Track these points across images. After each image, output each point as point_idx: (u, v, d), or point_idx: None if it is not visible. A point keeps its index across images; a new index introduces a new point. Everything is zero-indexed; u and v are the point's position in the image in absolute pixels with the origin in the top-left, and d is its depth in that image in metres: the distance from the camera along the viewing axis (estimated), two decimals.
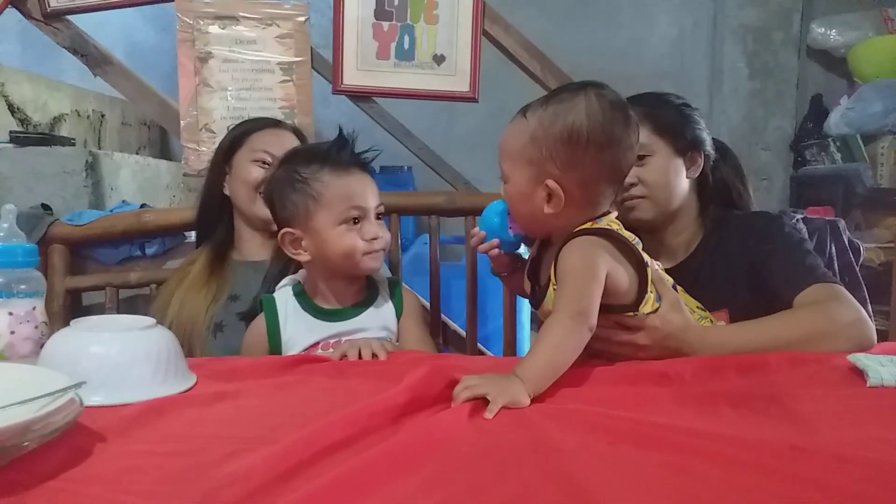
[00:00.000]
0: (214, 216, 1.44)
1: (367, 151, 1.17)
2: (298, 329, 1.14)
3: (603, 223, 0.97)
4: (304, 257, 1.13)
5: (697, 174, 1.27)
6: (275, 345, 1.14)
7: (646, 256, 1.00)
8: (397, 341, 1.18)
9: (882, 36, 3.12)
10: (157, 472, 0.60)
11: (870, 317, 1.35)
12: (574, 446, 0.65)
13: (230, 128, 1.53)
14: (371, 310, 1.17)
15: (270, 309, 1.15)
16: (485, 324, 1.78)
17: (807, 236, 1.32)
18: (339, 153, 1.13)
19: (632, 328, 0.99)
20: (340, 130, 1.16)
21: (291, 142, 1.43)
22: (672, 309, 1.01)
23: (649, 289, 0.99)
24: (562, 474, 0.59)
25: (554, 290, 0.95)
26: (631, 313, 0.98)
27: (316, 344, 1.13)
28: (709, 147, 1.29)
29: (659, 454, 0.62)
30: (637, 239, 1.01)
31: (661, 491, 0.56)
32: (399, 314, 1.19)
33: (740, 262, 1.21)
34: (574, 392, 0.84)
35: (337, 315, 1.15)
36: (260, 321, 1.16)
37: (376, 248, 1.12)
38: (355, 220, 1.10)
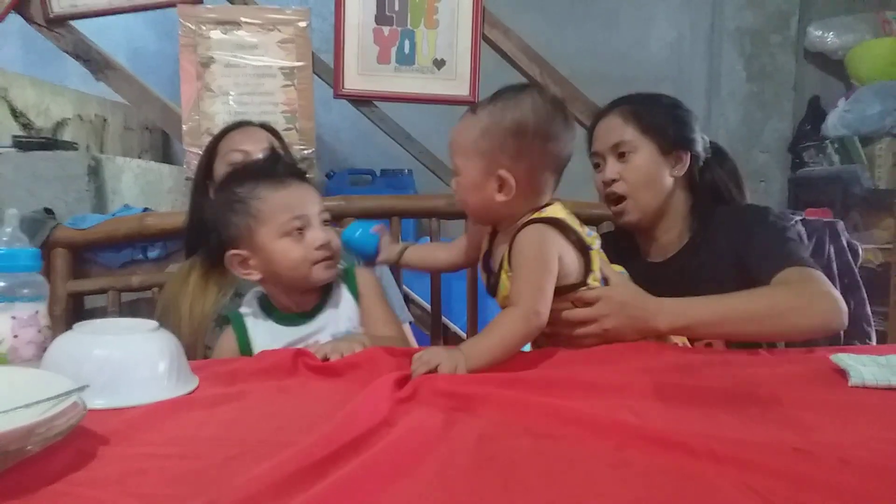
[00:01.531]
0: (204, 233, 1.43)
1: (301, 162, 1.17)
2: (266, 340, 1.12)
3: (548, 212, 1.04)
4: (255, 276, 1.11)
5: (682, 173, 1.28)
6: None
7: (591, 241, 1.07)
8: (361, 325, 1.16)
9: (879, 38, 3.13)
10: (160, 475, 0.60)
11: (871, 315, 1.36)
12: (582, 452, 0.65)
13: None
14: (330, 305, 1.15)
15: (239, 325, 1.14)
16: (485, 324, 1.78)
17: (804, 236, 1.33)
18: (273, 167, 1.12)
19: (590, 300, 1.05)
20: (271, 147, 1.18)
21: (261, 137, 1.43)
22: (623, 282, 1.08)
23: (593, 267, 1.06)
24: (570, 481, 0.59)
25: (508, 276, 1.03)
26: (583, 287, 1.05)
27: None
28: (699, 148, 1.29)
29: (667, 459, 0.62)
30: (585, 227, 1.08)
31: (673, 495, 0.56)
32: (356, 298, 1.17)
33: (727, 255, 1.22)
34: (573, 397, 0.83)
35: (300, 319, 1.14)
36: (230, 338, 1.15)
37: (326, 256, 1.10)
38: (299, 231, 1.08)
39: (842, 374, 0.89)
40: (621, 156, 1.25)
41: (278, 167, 1.13)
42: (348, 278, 1.18)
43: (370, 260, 1.18)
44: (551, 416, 0.74)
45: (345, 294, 1.17)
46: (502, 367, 0.93)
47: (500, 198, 1.02)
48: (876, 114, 2.86)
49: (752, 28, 3.33)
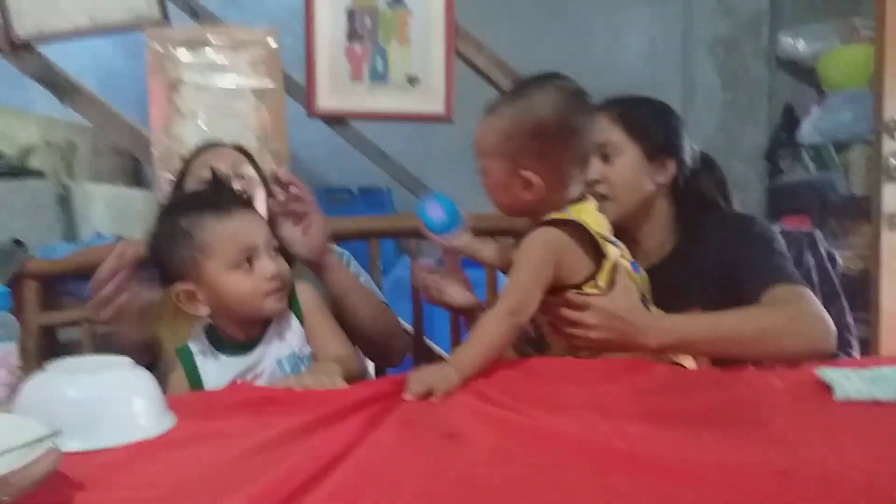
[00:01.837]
0: None
1: (243, 192, 1.15)
2: (214, 372, 1.10)
3: (571, 212, 1.05)
4: (202, 311, 1.07)
5: (667, 180, 1.27)
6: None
7: (615, 249, 1.08)
8: (308, 343, 1.14)
9: (849, 45, 3.18)
10: None
11: (853, 324, 1.37)
12: (566, 479, 0.64)
13: None
14: (273, 329, 1.12)
15: (187, 359, 1.11)
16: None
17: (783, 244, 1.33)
18: (217, 196, 1.08)
19: (578, 305, 1.05)
20: (213, 173, 1.14)
21: (230, 155, 1.40)
22: (622, 294, 1.07)
23: (599, 275, 1.06)
24: None
25: None
26: (574, 291, 1.06)
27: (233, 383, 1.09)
28: (685, 155, 1.29)
29: (650, 483, 0.62)
30: (609, 227, 1.10)
31: None
32: (300, 318, 1.14)
33: (714, 265, 1.22)
34: (558, 420, 0.83)
35: (244, 348, 1.10)
36: (179, 374, 1.12)
37: (276, 288, 1.07)
38: (248, 262, 1.05)
39: (827, 388, 0.89)
40: (605, 157, 1.24)
41: (222, 196, 1.09)
42: (292, 299, 1.14)
43: (440, 231, 1.20)
44: (536, 442, 0.74)
45: (287, 316, 1.13)
46: (488, 385, 0.93)
47: (528, 196, 1.04)
48: (848, 120, 2.90)
49: (724, 36, 3.37)
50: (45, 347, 1.59)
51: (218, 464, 0.73)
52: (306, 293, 1.15)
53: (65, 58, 2.06)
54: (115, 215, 2.02)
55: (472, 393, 0.91)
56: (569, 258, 1.05)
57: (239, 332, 1.11)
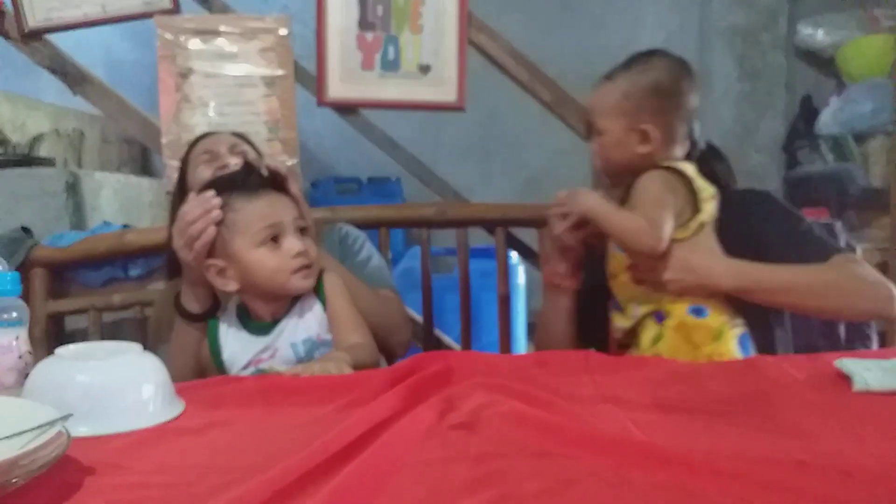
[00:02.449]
0: None
1: (276, 174, 1.17)
2: (235, 349, 1.14)
3: (674, 164, 1.15)
4: (232, 287, 1.11)
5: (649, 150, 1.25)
6: (218, 366, 1.15)
7: (711, 208, 1.15)
8: (329, 331, 1.16)
9: (869, 35, 3.13)
10: None
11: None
12: (581, 470, 0.63)
13: None
14: (294, 311, 1.15)
15: (213, 332, 1.16)
16: (478, 338, 1.76)
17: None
18: (246, 177, 1.13)
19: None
20: (245, 160, 1.21)
21: (229, 139, 1.43)
22: (701, 242, 1.14)
23: (690, 222, 1.14)
24: (567, 502, 0.58)
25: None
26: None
27: (249, 363, 1.13)
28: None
29: (667, 476, 0.61)
30: (712, 189, 1.16)
31: None
32: (324, 303, 1.17)
33: (745, 239, 1.21)
34: (573, 411, 0.81)
35: (266, 329, 1.14)
36: (205, 346, 1.17)
37: (303, 265, 1.10)
38: (274, 239, 1.09)
39: (845, 379, 0.88)
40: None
41: (251, 177, 1.13)
42: (318, 285, 1.17)
43: None
44: (549, 433, 0.72)
45: (311, 300, 1.16)
46: (502, 376, 0.92)
47: (643, 149, 1.14)
48: (868, 111, 2.86)
49: (742, 27, 3.33)
50: (53, 335, 1.59)
51: (226, 450, 0.73)
52: (332, 280, 1.18)
53: (75, 46, 2.06)
54: (123, 204, 2.02)
55: (485, 384, 0.89)
56: (677, 199, 1.12)
57: (266, 310, 1.14)
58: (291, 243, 1.09)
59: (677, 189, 1.13)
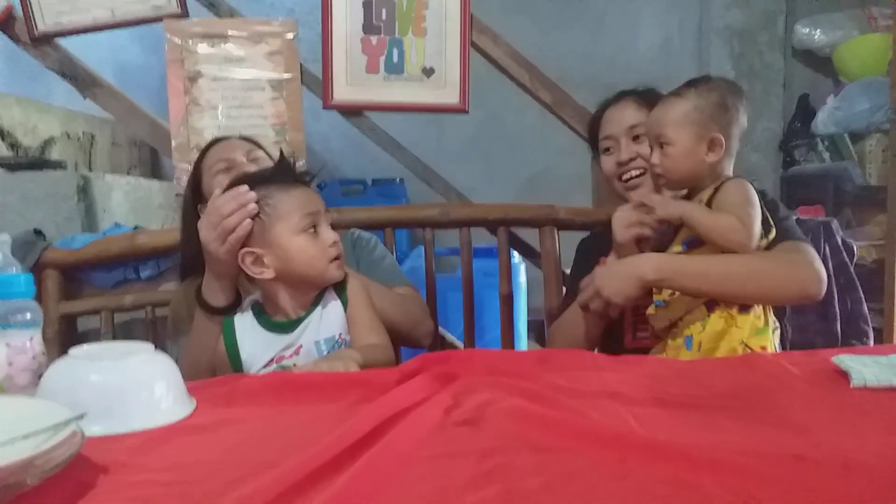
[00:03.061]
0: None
1: (306, 173, 1.21)
2: (255, 348, 1.14)
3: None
4: (268, 275, 1.12)
5: (717, 158, 1.28)
6: (236, 366, 1.15)
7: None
8: (348, 333, 1.18)
9: (866, 35, 3.14)
10: (162, 501, 0.59)
11: (867, 316, 1.38)
12: (584, 465, 0.64)
13: None
14: (317, 311, 1.16)
15: (229, 331, 1.16)
16: (482, 335, 1.78)
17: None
18: (283, 173, 1.16)
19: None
20: (281, 153, 1.21)
21: (242, 144, 1.45)
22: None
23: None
24: (570, 495, 0.59)
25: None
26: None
27: (271, 360, 1.14)
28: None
29: (668, 470, 0.62)
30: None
31: None
32: (346, 305, 1.18)
33: None
34: (575, 406, 0.82)
35: (287, 326, 1.15)
36: (220, 345, 1.17)
37: (339, 254, 1.14)
38: (313, 228, 1.12)
39: (843, 375, 0.89)
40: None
41: (288, 172, 1.16)
42: (341, 287, 1.19)
43: None
44: (552, 428, 0.73)
45: (333, 302, 1.17)
46: (506, 373, 0.93)
47: (710, 158, 1.21)
48: (865, 110, 2.87)
49: (740, 27, 3.34)
50: (65, 336, 1.61)
51: (237, 447, 0.73)
52: (354, 282, 1.20)
53: (84, 50, 2.08)
54: (133, 206, 2.04)
55: (489, 381, 0.90)
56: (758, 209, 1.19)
57: (292, 303, 1.15)
58: (328, 233, 1.13)
59: (757, 200, 1.20)
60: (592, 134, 1.53)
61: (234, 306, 1.18)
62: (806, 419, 0.75)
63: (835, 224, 1.61)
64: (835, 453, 0.64)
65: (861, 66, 3.09)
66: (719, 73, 3.37)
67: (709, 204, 1.22)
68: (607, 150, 1.46)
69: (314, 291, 1.16)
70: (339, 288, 1.19)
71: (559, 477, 0.62)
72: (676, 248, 1.25)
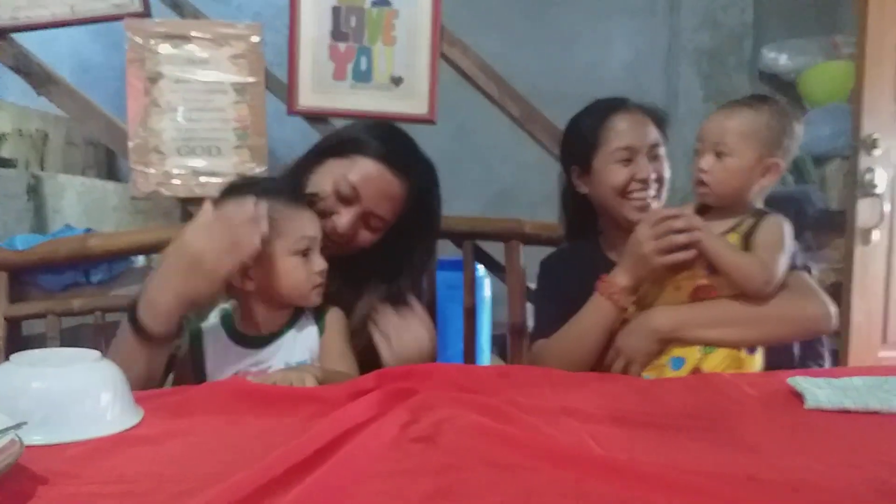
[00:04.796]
0: None
1: (314, 195, 1.20)
2: (220, 359, 1.14)
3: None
4: (249, 286, 1.12)
5: (770, 184, 1.26)
6: (199, 377, 1.14)
7: None
8: (318, 359, 1.17)
9: (830, 61, 3.22)
10: None
11: (824, 338, 1.38)
12: (540, 483, 0.64)
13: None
14: (292, 332, 1.17)
15: (196, 339, 1.15)
16: (444, 347, 1.76)
17: None
18: (293, 189, 1.18)
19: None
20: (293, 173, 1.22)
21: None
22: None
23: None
24: None
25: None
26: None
27: (235, 374, 1.12)
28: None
29: (624, 489, 0.62)
30: None
31: None
32: (322, 333, 1.19)
33: None
34: (534, 424, 0.83)
35: (259, 341, 1.15)
36: (183, 351, 1.16)
37: (323, 282, 1.14)
38: (305, 252, 1.12)
39: (798, 397, 0.91)
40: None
41: (296, 191, 1.17)
42: (320, 314, 1.20)
43: None
44: (510, 445, 0.73)
45: (310, 326, 1.18)
46: (466, 389, 0.94)
47: (763, 182, 1.19)
48: (827, 135, 2.93)
49: (709, 49, 3.41)
50: (10, 340, 1.56)
51: (184, 459, 0.73)
52: (335, 314, 1.21)
53: (42, 46, 2.03)
54: (86, 207, 1.99)
55: (447, 397, 0.90)
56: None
57: (265, 318, 1.15)
58: (318, 260, 1.13)
59: (790, 244, 1.18)
60: (588, 138, 1.39)
61: (168, 339, 1.06)
62: (760, 440, 0.77)
63: (795, 246, 1.62)
64: (785, 474, 0.66)
65: (825, 91, 3.16)
66: (687, 94, 3.49)
67: (748, 235, 1.18)
68: (625, 160, 1.34)
69: (288, 310, 1.17)
70: (318, 314, 1.19)
71: (515, 495, 0.62)
72: (698, 267, 1.20)
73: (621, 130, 1.35)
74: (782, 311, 1.16)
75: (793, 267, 1.22)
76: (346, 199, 1.21)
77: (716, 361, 1.16)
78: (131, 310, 1.04)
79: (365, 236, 1.25)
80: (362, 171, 1.22)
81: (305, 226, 1.13)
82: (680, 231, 1.16)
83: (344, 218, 1.21)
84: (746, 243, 1.17)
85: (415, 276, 1.35)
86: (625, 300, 1.23)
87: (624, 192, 1.34)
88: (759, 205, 1.23)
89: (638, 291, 1.25)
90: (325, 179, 1.22)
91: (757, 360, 1.18)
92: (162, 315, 1.02)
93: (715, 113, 1.22)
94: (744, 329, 1.16)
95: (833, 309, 1.20)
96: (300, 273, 1.11)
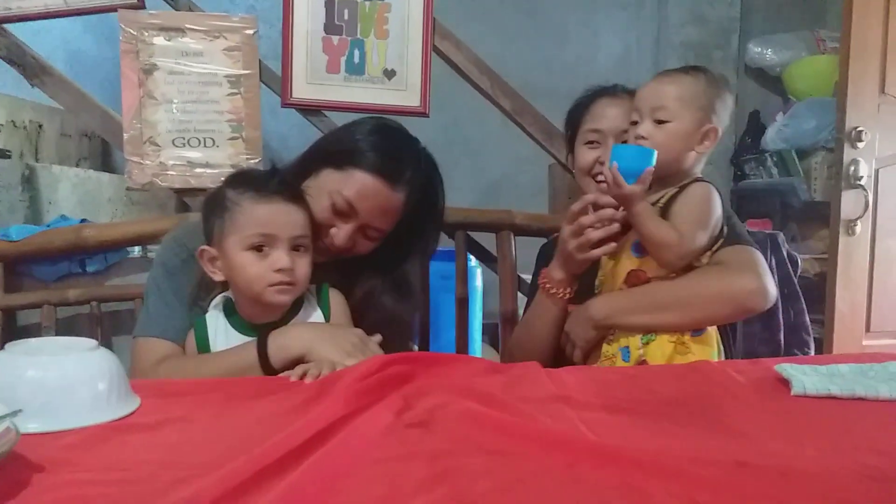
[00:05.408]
0: None
1: (294, 184, 1.16)
2: (224, 345, 1.12)
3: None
4: (218, 277, 1.12)
5: (706, 151, 1.25)
6: None
7: None
8: None
9: (815, 56, 3.26)
10: (101, 501, 0.58)
11: (809, 326, 1.41)
12: (533, 469, 0.65)
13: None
14: (297, 319, 1.15)
15: (201, 331, 1.14)
16: (437, 337, 1.78)
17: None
18: (267, 181, 1.12)
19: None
20: (273, 164, 1.18)
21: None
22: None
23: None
24: (520, 498, 0.59)
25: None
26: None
27: None
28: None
29: (616, 475, 0.63)
30: None
31: None
32: (327, 319, 1.17)
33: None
34: (526, 411, 0.83)
35: (262, 329, 1.11)
36: (190, 341, 1.15)
37: (282, 281, 1.08)
38: (259, 248, 1.08)
39: (785, 383, 0.92)
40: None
41: (271, 182, 1.12)
42: (322, 298, 1.18)
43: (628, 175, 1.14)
44: (504, 432, 0.74)
45: (316, 312, 1.16)
46: (455, 378, 0.94)
47: (700, 149, 1.17)
48: (812, 128, 2.97)
49: (696, 43, 3.43)
50: (5, 330, 1.56)
51: (180, 447, 0.72)
52: (337, 297, 1.19)
53: (35, 37, 2.02)
54: (81, 198, 1.98)
55: (441, 384, 0.90)
56: (717, 220, 1.16)
57: (251, 311, 1.13)
58: (277, 257, 1.08)
59: (719, 205, 1.16)
60: (573, 120, 1.42)
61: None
62: (748, 426, 0.78)
63: (781, 237, 1.65)
64: (773, 460, 0.67)
65: (809, 85, 3.19)
66: None
67: (669, 203, 1.15)
68: (591, 142, 1.35)
69: (270, 308, 1.13)
70: (321, 298, 1.17)
71: (509, 480, 0.62)
72: (626, 252, 1.21)
73: (595, 114, 1.36)
74: (713, 290, 1.15)
75: (732, 240, 1.20)
76: (342, 215, 1.18)
77: (658, 350, 1.15)
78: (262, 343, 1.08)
79: (364, 245, 1.23)
80: (358, 186, 1.17)
81: (263, 221, 1.08)
82: (601, 225, 1.16)
83: (342, 232, 1.18)
84: (666, 212, 1.16)
85: (422, 261, 1.36)
86: (561, 292, 1.24)
87: (590, 174, 1.35)
88: (699, 173, 1.21)
89: (576, 283, 1.25)
90: (322, 193, 1.18)
91: (709, 345, 1.17)
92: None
93: (651, 80, 1.21)
94: (676, 312, 1.14)
95: (768, 283, 1.17)
96: (253, 269, 1.07)
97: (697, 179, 1.18)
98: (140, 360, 1.15)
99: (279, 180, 1.13)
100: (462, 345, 1.77)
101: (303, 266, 1.11)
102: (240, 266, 1.08)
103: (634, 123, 1.19)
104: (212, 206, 1.12)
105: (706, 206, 1.14)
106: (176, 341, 1.15)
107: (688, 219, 1.12)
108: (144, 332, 1.16)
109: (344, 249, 1.21)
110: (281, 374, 1.03)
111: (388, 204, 1.19)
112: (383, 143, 1.22)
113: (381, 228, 1.21)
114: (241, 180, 1.13)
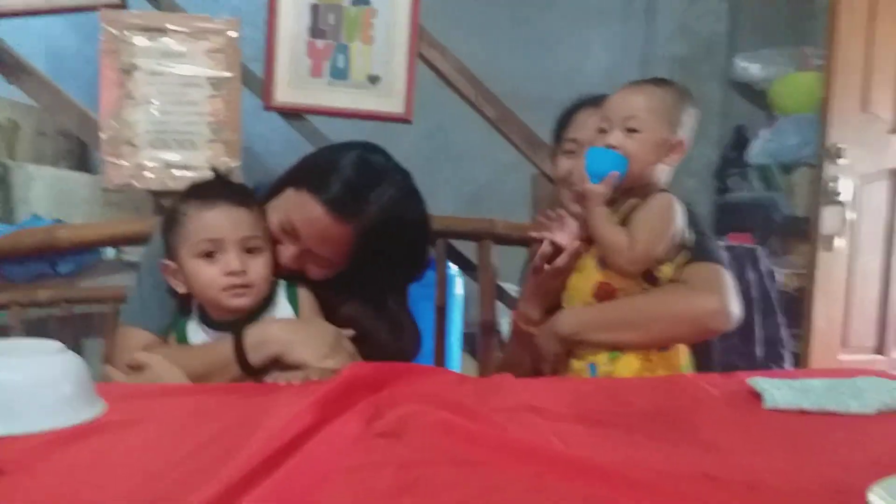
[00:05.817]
0: None
1: (240, 186, 1.18)
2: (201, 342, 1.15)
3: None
4: (181, 289, 1.13)
5: (675, 163, 1.26)
6: None
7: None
8: None
9: (800, 72, 3.28)
10: None
11: (787, 338, 1.42)
12: (501, 479, 0.65)
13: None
14: (268, 315, 1.15)
15: (181, 333, 1.16)
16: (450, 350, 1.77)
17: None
18: (207, 189, 1.14)
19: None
20: (215, 169, 1.19)
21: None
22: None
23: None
24: None
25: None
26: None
27: None
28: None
29: (584, 486, 0.63)
30: None
31: None
32: (297, 314, 1.18)
33: None
34: (497, 421, 0.84)
35: (233, 325, 1.12)
36: (172, 341, 1.18)
37: (234, 284, 1.08)
38: (210, 254, 1.09)
39: (758, 397, 0.92)
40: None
41: (211, 189, 1.14)
42: (291, 297, 1.18)
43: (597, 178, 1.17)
44: (474, 442, 0.74)
45: (286, 308, 1.16)
46: (425, 387, 0.94)
47: (668, 161, 1.18)
48: (795, 144, 3.00)
49: (682, 57, 3.46)
50: None
51: (143, 452, 0.72)
52: (305, 296, 1.19)
53: (14, 34, 1.99)
54: (56, 198, 1.96)
55: (412, 392, 0.91)
56: (677, 230, 1.17)
57: (220, 316, 1.14)
58: (227, 261, 1.08)
59: (680, 217, 1.16)
60: (556, 129, 1.45)
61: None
62: (719, 439, 0.78)
63: (760, 251, 1.66)
64: (742, 473, 0.67)
65: (794, 101, 3.22)
66: None
67: (632, 214, 1.17)
68: (569, 152, 1.38)
69: (231, 312, 1.13)
70: (290, 295, 1.18)
71: (477, 491, 0.62)
72: (590, 261, 1.21)
73: (576, 123, 1.39)
74: (674, 310, 1.16)
75: (702, 257, 1.21)
76: (287, 235, 1.17)
77: (626, 367, 1.16)
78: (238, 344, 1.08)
79: (314, 271, 1.20)
80: (304, 211, 1.14)
81: (208, 227, 1.09)
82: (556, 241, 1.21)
83: (286, 252, 1.17)
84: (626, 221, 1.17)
85: (401, 290, 1.35)
86: (525, 323, 1.29)
87: (565, 183, 1.37)
88: (665, 186, 1.22)
89: (547, 306, 1.27)
90: (278, 209, 1.17)
91: (676, 362, 1.18)
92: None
93: (620, 90, 1.22)
94: (638, 331, 1.15)
95: (731, 305, 1.17)
96: (205, 276, 1.09)
97: (662, 191, 1.19)
98: (120, 347, 1.17)
99: (223, 184, 1.15)
100: (441, 353, 1.76)
101: (257, 266, 1.11)
102: (193, 274, 1.09)
103: (602, 131, 1.20)
104: (167, 220, 1.14)
105: (665, 214, 1.15)
106: (159, 332, 1.18)
107: (641, 226, 1.14)
108: (130, 320, 1.19)
109: (292, 271, 1.19)
110: (267, 379, 1.04)
111: (330, 234, 1.14)
112: (351, 175, 1.16)
113: (327, 258, 1.18)
114: (189, 190, 1.15)
